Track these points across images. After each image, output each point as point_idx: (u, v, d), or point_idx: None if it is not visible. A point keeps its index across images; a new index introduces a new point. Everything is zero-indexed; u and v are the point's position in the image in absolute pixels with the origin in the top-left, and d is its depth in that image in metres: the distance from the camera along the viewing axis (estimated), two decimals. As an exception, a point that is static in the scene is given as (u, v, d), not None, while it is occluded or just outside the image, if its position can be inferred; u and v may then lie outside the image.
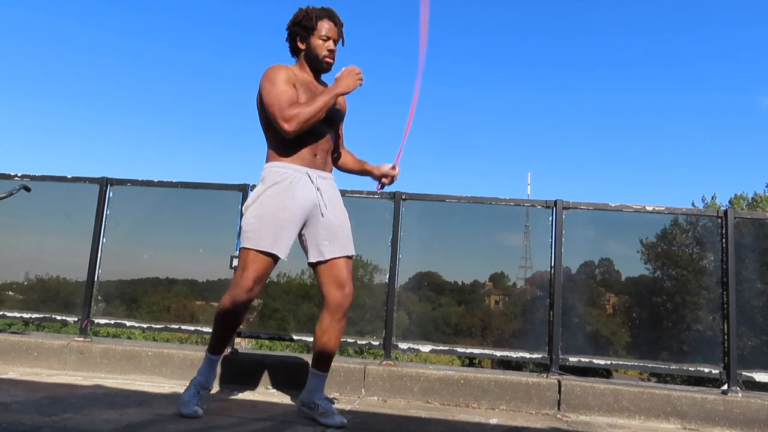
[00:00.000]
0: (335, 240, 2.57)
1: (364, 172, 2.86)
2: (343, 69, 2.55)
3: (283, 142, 2.52)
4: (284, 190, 2.48)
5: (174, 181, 4.00)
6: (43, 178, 4.07)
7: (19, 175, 4.08)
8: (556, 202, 3.72)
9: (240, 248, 2.51)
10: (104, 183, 3.99)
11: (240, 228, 2.54)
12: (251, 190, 2.82)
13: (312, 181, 2.53)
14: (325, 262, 2.55)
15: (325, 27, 2.59)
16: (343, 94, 2.55)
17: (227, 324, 2.56)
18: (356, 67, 2.55)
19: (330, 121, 2.59)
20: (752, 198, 28.69)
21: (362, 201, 3.89)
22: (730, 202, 29.24)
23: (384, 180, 2.79)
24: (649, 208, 3.71)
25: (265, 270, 2.48)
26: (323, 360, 2.60)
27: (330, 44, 2.61)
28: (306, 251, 2.61)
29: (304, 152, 2.54)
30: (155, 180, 4.02)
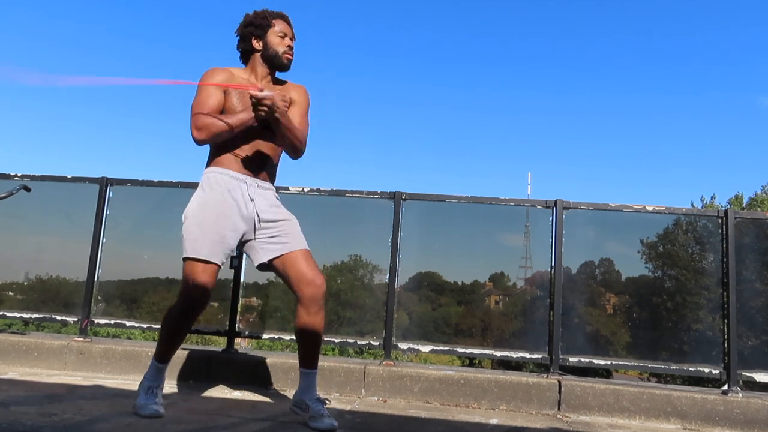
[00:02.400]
0: (284, 236, 2.50)
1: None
2: (269, 93, 2.35)
3: (220, 147, 2.50)
4: (222, 197, 2.45)
5: (174, 181, 4.00)
6: (43, 178, 4.07)
7: (19, 175, 4.08)
8: (556, 202, 3.72)
9: (182, 258, 2.43)
10: (104, 183, 3.99)
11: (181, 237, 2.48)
12: None
13: (248, 191, 2.49)
14: (279, 258, 2.48)
15: (280, 24, 2.60)
16: (255, 121, 2.44)
17: (177, 333, 2.49)
18: (281, 95, 2.39)
19: (270, 127, 2.47)
20: (752, 198, 28.67)
21: (362, 201, 3.89)
22: (729, 202, 29.24)
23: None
24: (650, 208, 3.71)
25: (210, 279, 2.43)
26: (309, 356, 2.53)
27: (287, 41, 2.61)
28: (252, 256, 2.55)
29: (241, 159, 2.51)
30: (155, 180, 4.02)
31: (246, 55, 2.64)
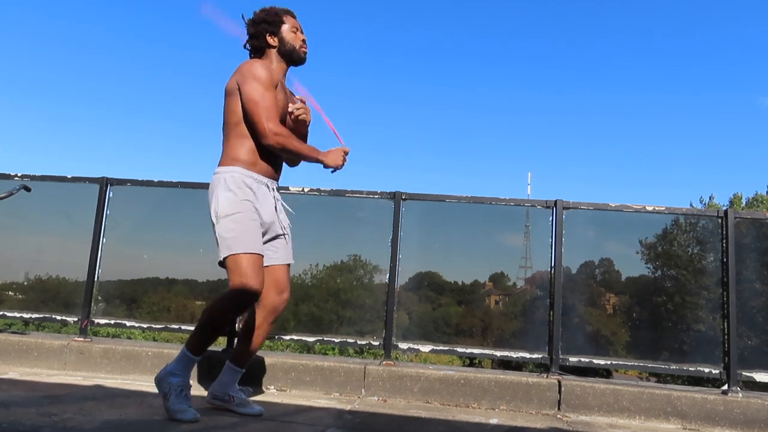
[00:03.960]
0: (282, 249, 2.63)
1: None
2: (338, 148, 2.60)
3: (250, 149, 2.50)
4: (251, 199, 2.48)
5: (174, 181, 4.00)
6: (43, 178, 4.07)
7: (19, 175, 4.08)
8: (556, 202, 3.72)
9: (228, 257, 2.42)
10: (104, 183, 3.99)
11: (216, 236, 2.46)
12: None
13: (270, 194, 2.56)
14: (269, 267, 2.57)
15: (290, 20, 2.65)
16: (323, 164, 2.58)
17: (219, 328, 2.47)
18: (347, 151, 2.62)
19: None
20: (752, 198, 28.65)
21: (362, 201, 3.89)
22: (729, 202, 29.22)
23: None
24: (649, 208, 3.71)
25: (261, 271, 2.45)
26: (245, 357, 2.63)
27: (300, 35, 2.66)
28: None
29: (267, 162, 2.54)
30: (155, 180, 4.02)
31: (258, 51, 2.65)
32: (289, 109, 2.62)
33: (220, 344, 3.95)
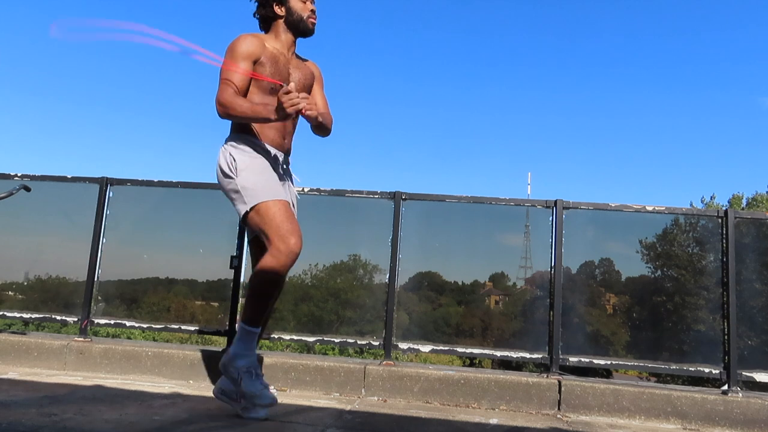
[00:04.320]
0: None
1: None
2: (279, 94, 2.25)
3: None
4: (265, 157, 2.45)
5: (174, 181, 3.99)
6: (43, 178, 4.07)
7: (19, 175, 4.08)
8: (556, 202, 3.72)
9: (254, 207, 2.29)
10: (104, 183, 3.99)
11: (236, 193, 2.33)
12: None
13: (279, 162, 2.53)
14: None
15: None
16: (277, 118, 2.31)
17: (271, 289, 2.34)
18: (289, 90, 2.25)
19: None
20: (752, 198, 28.65)
21: (362, 201, 3.89)
22: (729, 202, 29.22)
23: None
24: (649, 208, 3.71)
25: (293, 216, 2.36)
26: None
27: (310, 5, 2.56)
28: None
29: (275, 133, 2.51)
30: (155, 180, 4.02)
31: (266, 21, 2.58)
32: (288, 109, 2.32)
33: (220, 344, 3.95)
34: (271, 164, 2.49)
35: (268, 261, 2.30)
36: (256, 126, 2.47)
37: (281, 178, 2.54)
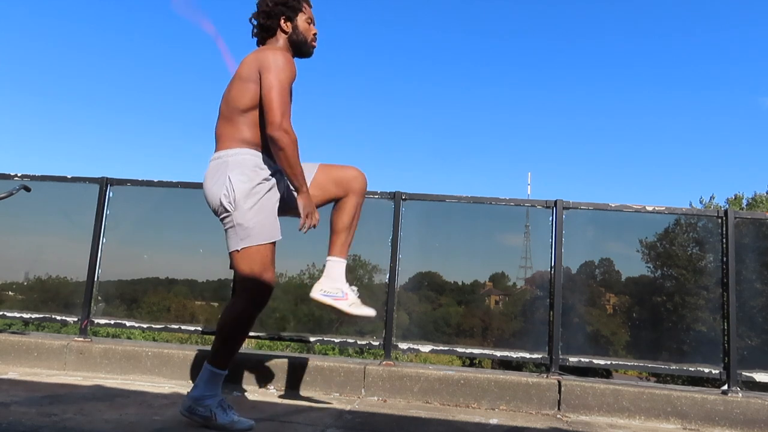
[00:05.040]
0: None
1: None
2: (307, 219, 2.37)
3: (260, 135, 2.34)
4: (271, 182, 2.36)
5: (174, 181, 3.99)
6: (43, 178, 4.07)
7: (19, 175, 4.08)
8: (556, 202, 3.72)
9: (249, 248, 2.27)
10: (104, 183, 3.99)
11: (231, 226, 2.29)
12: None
13: (285, 180, 2.45)
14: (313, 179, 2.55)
15: (308, 9, 2.50)
16: (303, 204, 2.35)
17: (242, 334, 2.32)
18: (316, 222, 2.42)
19: None
20: (752, 198, 28.66)
21: (362, 201, 3.88)
22: (728, 202, 29.22)
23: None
24: (649, 208, 3.71)
25: (274, 260, 2.35)
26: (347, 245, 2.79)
27: (313, 28, 2.51)
28: None
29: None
30: (155, 180, 4.02)
31: (266, 30, 2.47)
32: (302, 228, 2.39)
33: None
34: (274, 178, 2.40)
35: (245, 306, 2.28)
36: (260, 140, 2.36)
37: (282, 188, 2.46)
